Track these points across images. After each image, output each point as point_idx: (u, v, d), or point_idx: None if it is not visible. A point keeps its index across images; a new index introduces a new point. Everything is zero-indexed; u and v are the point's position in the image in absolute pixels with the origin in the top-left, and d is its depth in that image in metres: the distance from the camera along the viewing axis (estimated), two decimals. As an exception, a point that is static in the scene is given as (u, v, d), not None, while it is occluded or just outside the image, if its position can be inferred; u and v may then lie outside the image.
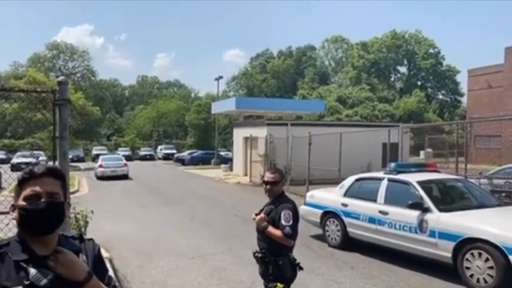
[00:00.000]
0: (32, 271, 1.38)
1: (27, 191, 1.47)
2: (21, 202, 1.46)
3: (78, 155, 39.28)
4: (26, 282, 1.36)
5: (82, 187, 18.56)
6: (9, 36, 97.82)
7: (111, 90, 75.27)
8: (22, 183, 1.50)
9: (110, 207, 12.48)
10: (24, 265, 1.40)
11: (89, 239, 1.67)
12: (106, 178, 21.71)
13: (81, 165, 32.51)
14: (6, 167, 21.59)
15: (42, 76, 38.09)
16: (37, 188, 1.47)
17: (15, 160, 28.28)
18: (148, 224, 10.21)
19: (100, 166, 22.64)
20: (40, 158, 33.49)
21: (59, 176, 1.55)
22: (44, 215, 1.44)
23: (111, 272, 5.88)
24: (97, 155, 31.32)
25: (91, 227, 6.72)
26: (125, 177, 22.37)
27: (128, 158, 33.13)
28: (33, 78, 34.03)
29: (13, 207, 1.50)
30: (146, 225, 10.02)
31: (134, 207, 12.98)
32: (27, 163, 26.48)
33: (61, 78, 3.91)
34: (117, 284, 4.84)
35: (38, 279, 1.37)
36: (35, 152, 32.02)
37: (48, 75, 47.68)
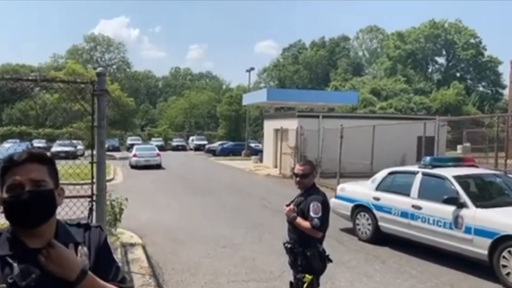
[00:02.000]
0: (17, 268, 1.24)
1: (8, 181, 1.31)
2: (4, 194, 1.32)
3: (113, 144, 40.52)
4: (9, 280, 1.23)
5: (117, 175, 19.18)
6: (49, 29, 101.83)
7: (145, 82, 77.02)
8: (3, 173, 1.34)
9: (143, 195, 12.84)
10: (10, 261, 1.26)
11: (97, 226, 1.50)
12: (140, 167, 22.32)
13: (116, 154, 33.54)
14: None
15: (80, 68, 39.48)
16: (18, 177, 1.31)
17: (55, 148, 29.61)
18: (180, 212, 10.46)
19: (134, 155, 23.28)
20: (78, 147, 34.86)
21: (45, 160, 1.38)
22: (29, 206, 1.29)
23: (143, 258, 6.10)
24: (132, 145, 32.22)
25: (126, 214, 6.95)
26: (158, 166, 22.92)
27: (161, 148, 33.86)
28: (72, 70, 35.32)
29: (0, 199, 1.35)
30: (178, 214, 10.26)
31: (166, 195, 13.30)
32: (66, 152, 27.71)
33: (99, 69, 4.05)
34: (126, 276, 5.00)
35: (22, 278, 1.23)
36: (74, 141, 33.46)
37: (86, 67, 49.34)
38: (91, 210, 4.28)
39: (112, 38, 67.28)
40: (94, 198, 4.22)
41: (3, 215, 1.34)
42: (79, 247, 1.36)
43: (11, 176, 1.32)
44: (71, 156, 25.03)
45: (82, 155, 28.38)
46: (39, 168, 1.35)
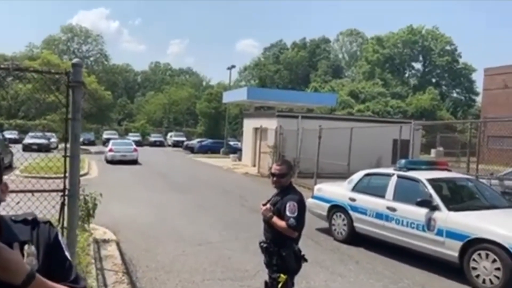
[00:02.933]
0: None
1: None
2: None
3: (89, 138, 39.69)
4: None
5: (92, 170, 18.77)
6: (25, 18, 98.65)
7: (124, 75, 75.64)
8: None
9: (118, 191, 12.61)
10: None
11: (46, 222, 1.37)
12: (115, 162, 21.90)
13: (92, 148, 32.86)
14: (18, 147, 21.96)
15: (56, 58, 38.40)
16: None
17: (27, 140, 28.75)
18: (156, 209, 10.31)
19: (110, 150, 22.83)
20: (52, 140, 33.97)
21: None
22: None
23: (116, 255, 5.98)
24: (108, 139, 31.61)
25: (100, 209, 6.79)
26: (134, 162, 22.55)
27: (138, 143, 33.37)
28: (47, 60, 34.30)
29: None
30: (154, 210, 10.11)
31: (142, 192, 13.10)
32: (38, 144, 26.92)
33: (75, 60, 3.92)
34: (96, 272, 4.85)
35: None
36: (47, 133, 32.55)
37: (62, 58, 48.06)
38: (63, 205, 4.15)
39: (90, 30, 65.73)
40: (67, 192, 4.09)
41: (13, 204, 1.22)
42: (26, 246, 1.23)
43: None
44: (44, 148, 24.32)
45: (55, 148, 27.67)
46: None
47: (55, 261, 1.30)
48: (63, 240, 1.38)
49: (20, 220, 1.31)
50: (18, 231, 1.28)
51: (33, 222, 1.32)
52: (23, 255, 1.21)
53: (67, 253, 1.35)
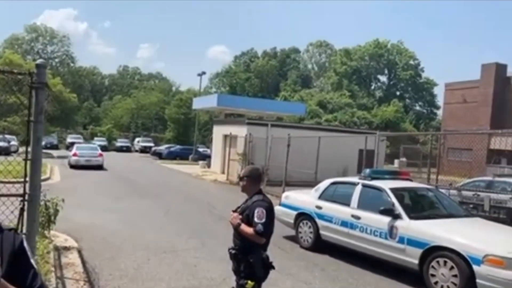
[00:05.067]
0: None
1: None
2: None
3: (51, 142, 38.32)
4: None
5: (54, 175, 18.11)
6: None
7: (90, 78, 73.72)
8: None
9: (82, 197, 12.23)
10: None
11: (10, 229, 1.37)
12: (79, 167, 21.25)
13: (55, 152, 31.69)
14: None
15: (19, 58, 37.02)
16: None
17: (-15, 143, 27.39)
18: (121, 216, 10.06)
19: (74, 154, 22.13)
20: (12, 143, 32.50)
21: None
22: None
23: (78, 263, 5.78)
24: (72, 143, 30.62)
25: (61, 216, 6.58)
26: (99, 167, 21.95)
27: (104, 148, 32.54)
28: (10, 60, 33.01)
29: None
30: (118, 217, 9.87)
31: (107, 198, 12.76)
32: (-3, 147, 25.69)
33: (39, 61, 3.82)
34: (56, 280, 4.68)
35: None
36: (7, 136, 31.14)
37: (25, 58, 46.31)
38: (22, 210, 3.99)
39: (56, 30, 63.88)
40: (27, 197, 3.94)
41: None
42: None
43: None
44: (4, 152, 23.25)
45: (16, 151, 26.50)
46: None
47: (20, 269, 1.29)
48: (28, 248, 1.36)
49: None
50: None
51: None
52: None
53: (32, 261, 1.34)
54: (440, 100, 53.62)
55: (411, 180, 8.03)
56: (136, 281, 5.61)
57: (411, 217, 6.22)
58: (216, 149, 24.59)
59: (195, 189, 16.71)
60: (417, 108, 63.06)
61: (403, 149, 25.35)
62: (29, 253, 1.35)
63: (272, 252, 3.65)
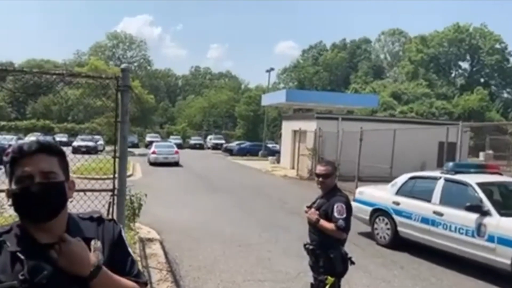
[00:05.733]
0: (28, 264, 1.18)
1: (17, 172, 1.25)
2: (13, 186, 1.26)
3: (132, 141, 41.02)
4: (21, 277, 1.16)
5: (136, 171, 19.42)
6: (74, 26, 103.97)
7: (165, 80, 77.89)
8: (12, 164, 1.27)
9: (161, 192, 12.95)
10: (22, 257, 1.19)
11: (110, 220, 1.45)
12: (158, 164, 22.56)
13: (135, 150, 33.99)
14: (68, 149, 23.15)
15: (102, 64, 40.19)
16: (28, 168, 1.24)
17: (76, 143, 30.28)
18: (198, 210, 10.52)
19: (153, 152, 23.55)
20: (99, 142, 35.48)
21: (55, 151, 1.32)
22: (39, 199, 1.23)
23: (160, 253, 6.15)
24: (151, 142, 32.57)
25: (144, 209, 7.03)
26: (176, 164, 23.13)
27: (179, 146, 34.15)
28: (95, 66, 35.97)
29: (8, 192, 1.28)
30: (195, 211, 10.32)
31: (184, 193, 13.40)
32: (87, 146, 28.26)
33: (124, 65, 4.10)
34: (142, 269, 5.00)
35: (33, 274, 1.17)
36: (95, 136, 34.12)
37: (108, 64, 50.23)
38: (111, 204, 4.33)
39: (134, 36, 68.34)
40: (116, 192, 4.27)
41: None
42: (93, 242, 1.30)
43: (20, 167, 1.25)
44: (92, 151, 25.50)
45: (102, 150, 28.90)
46: (49, 159, 1.28)
47: (119, 257, 1.38)
48: (125, 237, 1.46)
49: (87, 217, 1.39)
50: (85, 228, 1.35)
51: (98, 220, 1.40)
52: (90, 250, 1.29)
53: (129, 249, 1.45)
54: (532, 86, 48.33)
55: (500, 174, 7.35)
56: (213, 272, 5.82)
57: (502, 214, 5.70)
58: (285, 144, 24.61)
59: (265, 184, 16.90)
60: (505, 95, 57.55)
61: (490, 141, 23.28)
62: (126, 242, 1.45)
63: (347, 249, 3.57)
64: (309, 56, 71.87)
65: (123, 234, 1.44)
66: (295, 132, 22.50)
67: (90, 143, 29.99)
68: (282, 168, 23.05)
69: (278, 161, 25.86)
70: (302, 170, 19.50)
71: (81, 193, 4.21)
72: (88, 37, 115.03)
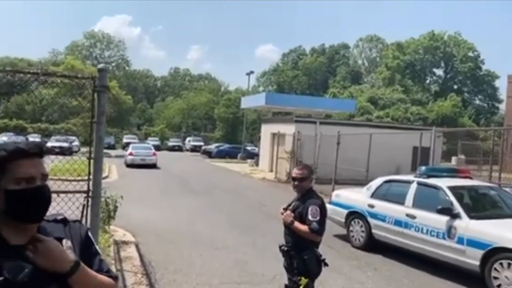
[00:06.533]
0: (7, 264, 1.18)
1: (20, 172, 1.25)
2: (9, 185, 1.24)
3: (109, 142, 40.32)
4: (0, 278, 1.17)
5: (112, 173, 19.10)
6: (50, 24, 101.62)
7: (144, 81, 76.97)
8: (7, 161, 1.25)
9: (138, 194, 12.80)
10: None
11: (75, 221, 1.46)
12: (135, 166, 22.25)
13: (112, 152, 33.41)
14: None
15: (79, 64, 39.40)
16: (30, 170, 1.26)
17: (50, 144, 29.45)
18: (174, 213, 10.43)
19: (130, 154, 23.23)
20: (74, 143, 34.61)
21: (43, 154, 1.34)
22: (39, 200, 1.27)
23: (136, 256, 6.08)
24: (128, 143, 32.13)
25: (119, 212, 6.93)
26: (153, 166, 22.87)
27: (157, 148, 33.78)
28: (71, 65, 35.24)
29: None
30: (172, 214, 10.24)
31: (161, 195, 13.27)
32: (61, 147, 27.57)
33: (101, 65, 4.05)
34: (116, 272, 4.95)
35: (15, 273, 1.17)
36: (70, 137, 33.33)
37: (85, 63, 49.28)
38: (85, 206, 4.26)
39: (113, 36, 67.36)
40: (90, 194, 4.20)
41: None
42: (64, 241, 1.32)
43: (18, 166, 1.25)
44: (67, 152, 24.89)
45: (77, 151, 28.28)
46: (42, 162, 1.32)
47: (89, 255, 1.40)
48: (92, 237, 1.48)
49: (52, 220, 1.40)
50: (53, 229, 1.37)
51: (63, 221, 1.42)
52: None
53: (97, 248, 1.47)
54: (502, 94, 50.06)
55: (471, 178, 7.61)
56: (189, 275, 5.79)
57: (471, 217, 5.90)
58: (264, 147, 24.70)
59: (244, 187, 16.91)
60: (477, 102, 59.50)
61: (462, 146, 23.98)
62: (94, 241, 1.47)
63: (322, 251, 3.62)
64: (289, 60, 72.45)
65: (89, 233, 1.47)
66: (274, 135, 22.63)
67: (65, 144, 29.24)
68: (261, 171, 23.12)
69: (257, 164, 25.93)
70: (280, 173, 19.61)
71: (54, 195, 4.12)
72: (65, 36, 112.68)
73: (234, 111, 47.54)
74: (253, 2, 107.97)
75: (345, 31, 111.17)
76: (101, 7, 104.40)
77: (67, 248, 1.31)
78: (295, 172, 3.60)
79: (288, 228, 3.51)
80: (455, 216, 5.98)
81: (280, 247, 3.60)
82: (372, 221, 7.34)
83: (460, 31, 59.76)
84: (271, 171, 21.88)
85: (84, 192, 4.21)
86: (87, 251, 1.40)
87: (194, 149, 41.85)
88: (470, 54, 58.33)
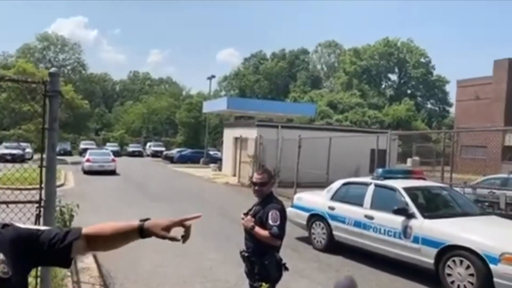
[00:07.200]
0: None
1: None
2: None
3: (65, 148, 38.80)
4: None
5: (68, 181, 18.36)
6: (0, 25, 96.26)
7: (102, 84, 74.51)
8: None
9: (96, 202, 12.36)
10: None
11: (4, 225, 1.33)
12: (93, 173, 21.50)
13: (68, 158, 32.12)
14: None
15: (31, 67, 37.59)
16: None
17: (1, 151, 27.86)
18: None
19: (88, 160, 22.41)
20: (27, 150, 32.96)
21: None
22: None
23: (94, 267, 5.85)
24: (85, 150, 30.97)
25: (76, 221, 6.63)
26: (112, 172, 22.18)
27: (116, 153, 32.85)
28: (23, 69, 33.57)
29: None
30: (132, 222, 9.94)
31: (120, 203, 12.88)
32: (12, 154, 26.15)
33: (53, 69, 3.88)
34: (73, 285, 4.72)
35: None
36: (22, 144, 31.67)
37: (37, 67, 47.09)
38: (38, 216, 4.05)
39: (68, 38, 64.74)
40: (42, 203, 4.00)
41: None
42: None
43: None
44: (19, 159, 23.67)
45: (30, 158, 26.94)
46: None
47: (34, 243, 1.31)
48: (19, 225, 1.37)
49: None
50: None
51: None
52: None
53: (28, 226, 1.37)
54: (452, 98, 53.00)
55: (424, 179, 7.95)
56: (151, 284, 5.65)
57: (425, 216, 6.16)
58: (227, 152, 24.65)
59: (207, 192, 16.76)
60: (429, 106, 62.43)
61: (416, 148, 25.07)
62: (23, 226, 1.37)
63: (285, 254, 3.65)
64: (250, 65, 72.81)
65: (16, 225, 1.36)
66: (236, 139, 22.63)
67: (16, 151, 27.78)
68: (224, 176, 23.02)
69: (220, 169, 25.81)
70: (243, 177, 19.62)
71: (3, 206, 3.90)
72: (16, 38, 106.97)
73: (196, 116, 47.10)
74: (213, 5, 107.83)
75: (305, 37, 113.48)
76: (54, 8, 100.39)
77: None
78: (255, 177, 3.61)
79: (249, 234, 3.50)
80: (410, 216, 6.22)
81: (240, 252, 3.59)
82: (332, 223, 7.49)
83: (413, 38, 62.71)
84: (234, 175, 21.85)
85: (36, 202, 4.00)
86: (30, 242, 1.30)
87: (155, 154, 41.04)
88: (422, 60, 61.25)
